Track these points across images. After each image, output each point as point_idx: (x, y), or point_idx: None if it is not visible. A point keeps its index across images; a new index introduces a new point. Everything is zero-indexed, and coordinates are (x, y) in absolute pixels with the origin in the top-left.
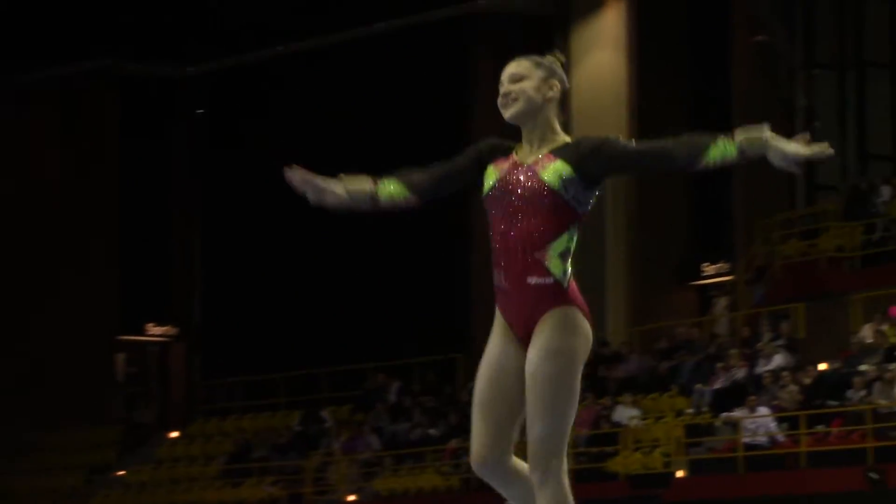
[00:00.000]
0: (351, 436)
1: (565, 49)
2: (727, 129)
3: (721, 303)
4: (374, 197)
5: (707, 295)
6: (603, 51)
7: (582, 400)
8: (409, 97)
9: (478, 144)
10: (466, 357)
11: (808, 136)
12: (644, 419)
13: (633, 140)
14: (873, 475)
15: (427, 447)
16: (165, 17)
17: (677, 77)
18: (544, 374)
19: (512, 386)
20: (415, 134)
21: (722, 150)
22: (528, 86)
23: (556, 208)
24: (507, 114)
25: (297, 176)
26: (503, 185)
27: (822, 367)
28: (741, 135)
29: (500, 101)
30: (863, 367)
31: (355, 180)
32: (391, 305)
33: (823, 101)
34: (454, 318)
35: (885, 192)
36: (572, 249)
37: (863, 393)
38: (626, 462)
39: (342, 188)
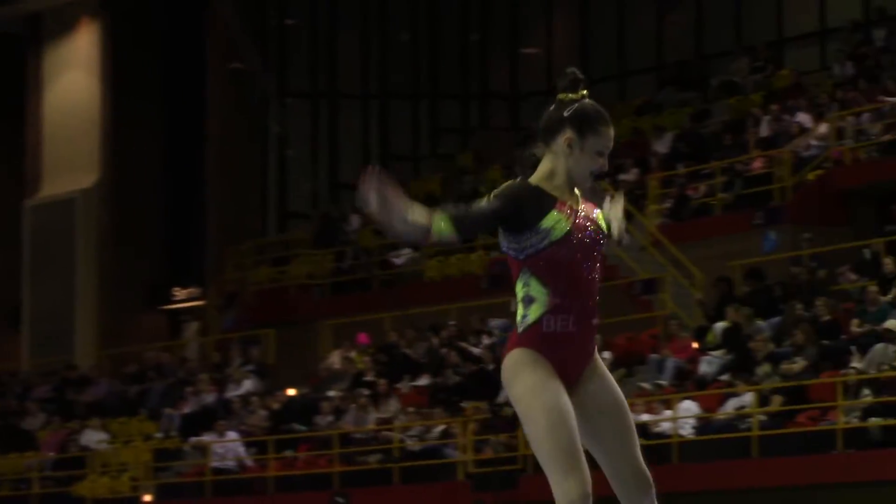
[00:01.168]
0: None
1: (37, 69)
2: (201, 154)
3: (192, 327)
4: (427, 232)
5: (178, 319)
6: (76, 71)
7: (49, 423)
8: None
9: (517, 188)
10: None
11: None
12: (112, 443)
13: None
14: (339, 499)
15: None
16: None
17: (152, 100)
18: (625, 400)
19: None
20: None
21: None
22: None
23: (601, 253)
24: (591, 184)
25: (376, 181)
26: (578, 231)
27: (291, 392)
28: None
29: (596, 164)
30: (331, 393)
31: (418, 209)
32: None
33: (296, 129)
34: None
35: (355, 220)
36: None
37: (330, 418)
38: (94, 486)
39: (409, 210)
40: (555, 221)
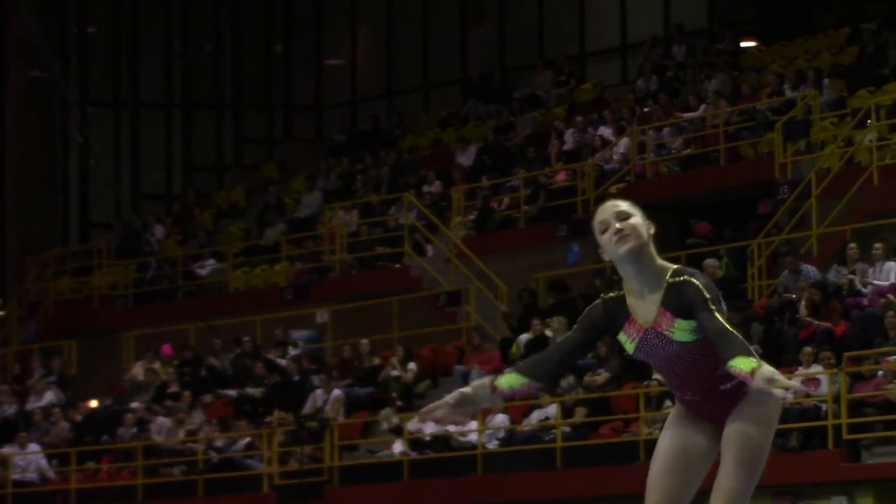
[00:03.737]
0: None
1: None
2: (1, 162)
3: None
4: (494, 388)
5: None
6: None
7: None
8: None
9: (590, 314)
10: None
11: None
12: None
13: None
14: None
15: None
16: None
17: None
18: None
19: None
20: None
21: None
22: (637, 223)
23: (704, 346)
24: (624, 249)
25: (434, 414)
26: (645, 349)
27: (94, 403)
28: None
29: (610, 238)
30: (134, 404)
31: (475, 384)
32: None
33: (98, 138)
34: None
35: (159, 231)
36: None
37: (134, 430)
38: None
39: (468, 390)
40: (623, 341)
